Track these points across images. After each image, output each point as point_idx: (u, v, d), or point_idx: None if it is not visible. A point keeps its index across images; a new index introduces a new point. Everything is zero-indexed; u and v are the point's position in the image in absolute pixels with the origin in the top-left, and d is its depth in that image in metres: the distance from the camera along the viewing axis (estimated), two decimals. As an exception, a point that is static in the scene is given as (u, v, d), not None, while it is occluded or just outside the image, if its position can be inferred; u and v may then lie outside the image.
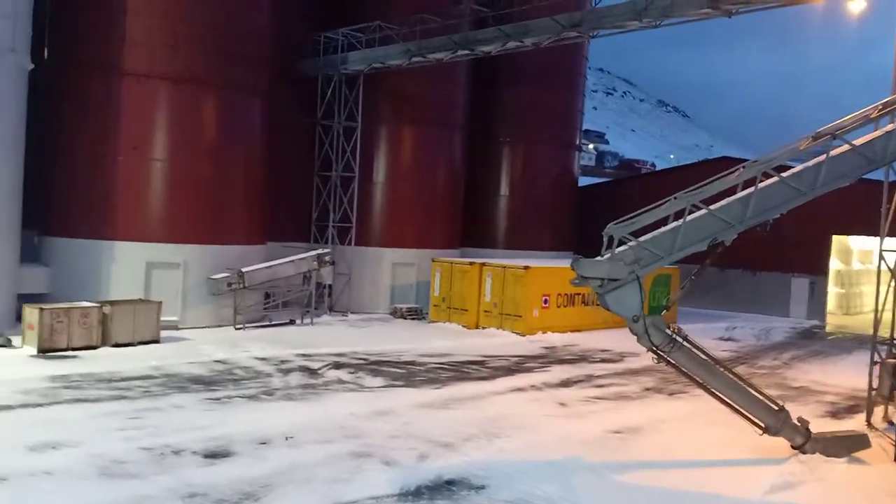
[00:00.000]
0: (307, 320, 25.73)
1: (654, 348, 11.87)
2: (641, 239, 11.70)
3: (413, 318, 28.28)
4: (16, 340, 18.69)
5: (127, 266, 22.14)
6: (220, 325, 23.35)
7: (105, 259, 22.04)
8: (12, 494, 9.64)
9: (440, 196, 30.60)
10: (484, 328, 26.44)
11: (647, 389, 18.09)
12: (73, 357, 18.09)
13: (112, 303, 19.99)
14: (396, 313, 28.61)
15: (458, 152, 31.48)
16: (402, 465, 11.46)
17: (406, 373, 18.56)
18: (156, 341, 20.16)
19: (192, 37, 22.65)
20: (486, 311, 26.69)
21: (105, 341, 19.29)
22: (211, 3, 23.09)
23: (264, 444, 12.13)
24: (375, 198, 29.76)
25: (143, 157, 22.52)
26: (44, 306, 18.70)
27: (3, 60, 19.40)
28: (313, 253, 26.18)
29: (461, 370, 19.35)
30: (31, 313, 18.46)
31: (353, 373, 18.07)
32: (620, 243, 11.57)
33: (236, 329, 23.31)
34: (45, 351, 18.20)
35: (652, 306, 23.16)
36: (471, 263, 27.45)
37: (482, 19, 25.33)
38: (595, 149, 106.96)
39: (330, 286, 28.18)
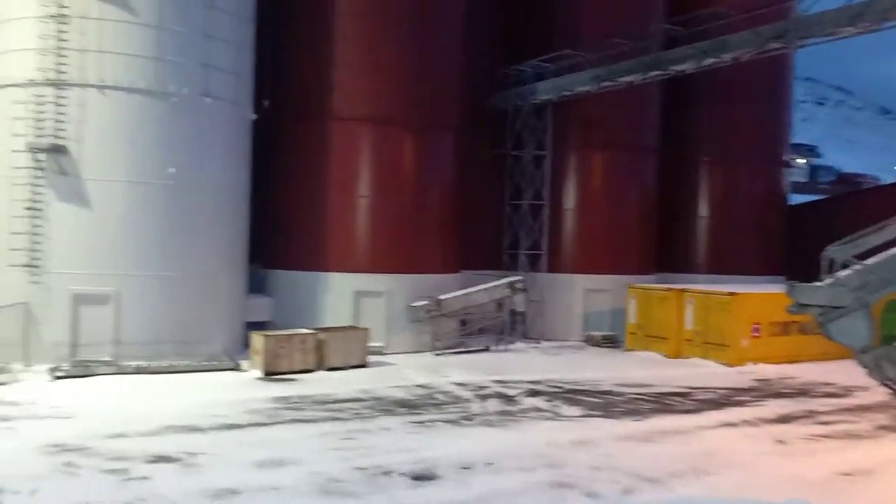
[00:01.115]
0: (501, 347, 26.08)
1: (888, 382, 10.70)
2: (868, 262, 10.65)
3: (608, 346, 27.64)
4: (244, 364, 20.68)
5: (338, 295, 23.86)
6: (420, 351, 24.35)
7: (319, 289, 23.92)
8: (246, 508, 10.60)
9: (633, 220, 29.81)
10: (685, 358, 25.20)
11: (881, 427, 16.11)
12: (293, 380, 19.66)
13: (326, 329, 21.60)
14: (591, 341, 28.12)
15: (651, 175, 30.54)
16: (606, 498, 11.17)
17: (604, 402, 18.16)
18: (363, 366, 21.42)
19: (392, 82, 24.17)
20: (687, 340, 25.43)
21: (320, 365, 20.80)
22: (407, 51, 24.45)
23: (467, 468, 12.40)
24: (566, 224, 29.64)
25: (350, 194, 24.30)
26: (268, 333, 20.63)
27: (230, 113, 21.83)
28: (506, 280, 26.59)
29: (663, 402, 18.57)
30: (257, 340, 20.40)
31: (549, 401, 17.99)
32: (843, 266, 10.61)
33: (435, 355, 24.17)
34: (269, 374, 19.96)
35: (884, 335, 20.77)
36: (669, 290, 26.38)
37: (673, 37, 24.55)
38: (807, 163, 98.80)
39: (523, 313, 28.35)
